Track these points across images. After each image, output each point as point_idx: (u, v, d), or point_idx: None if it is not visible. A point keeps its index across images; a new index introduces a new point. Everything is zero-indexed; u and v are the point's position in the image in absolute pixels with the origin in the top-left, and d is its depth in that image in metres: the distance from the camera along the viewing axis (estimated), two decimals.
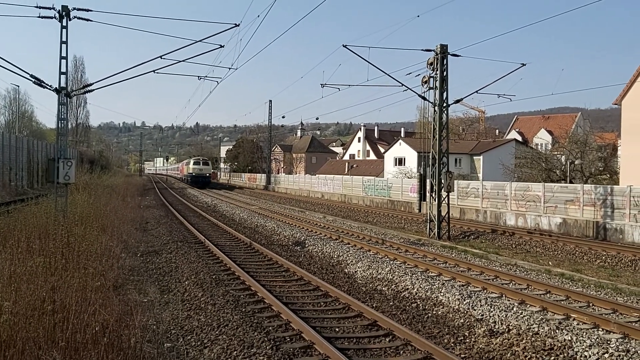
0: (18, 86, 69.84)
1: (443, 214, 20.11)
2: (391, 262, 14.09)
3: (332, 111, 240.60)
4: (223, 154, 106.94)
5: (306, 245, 17.09)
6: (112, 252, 11.80)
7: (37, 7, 14.78)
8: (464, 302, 9.83)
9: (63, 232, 10.50)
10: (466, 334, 8.37)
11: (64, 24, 15.38)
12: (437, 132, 19.99)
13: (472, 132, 75.48)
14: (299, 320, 8.32)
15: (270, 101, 60.96)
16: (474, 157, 56.89)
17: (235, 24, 15.95)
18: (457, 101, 22.04)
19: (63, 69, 15.78)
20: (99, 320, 6.21)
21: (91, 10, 15.43)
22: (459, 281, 11.82)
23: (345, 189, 42.91)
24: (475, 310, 9.43)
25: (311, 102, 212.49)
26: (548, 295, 10.72)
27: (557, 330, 8.14)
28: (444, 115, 20.11)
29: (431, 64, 19.66)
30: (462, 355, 7.39)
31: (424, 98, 20.08)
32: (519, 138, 67.38)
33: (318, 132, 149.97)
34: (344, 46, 18.58)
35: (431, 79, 19.72)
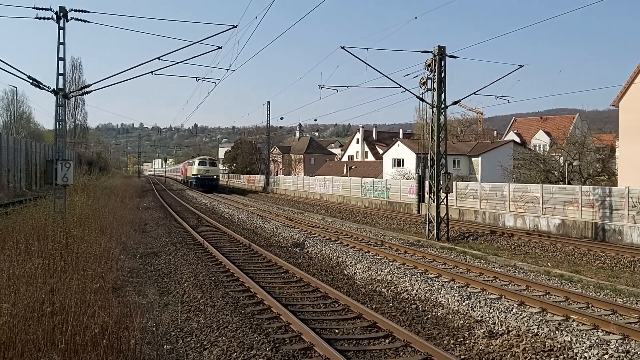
0: (16, 87, 70.08)
1: (442, 215, 20.10)
2: (390, 263, 14.09)
3: (330, 112, 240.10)
4: (221, 155, 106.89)
5: (305, 247, 17.07)
6: (111, 254, 11.78)
7: (34, 8, 14.73)
8: (464, 304, 9.83)
9: (62, 233, 10.50)
10: (466, 335, 8.37)
11: (62, 25, 15.33)
12: (436, 134, 20.00)
13: (470, 133, 75.54)
14: (299, 321, 8.31)
15: (269, 102, 60.85)
16: (473, 159, 56.96)
17: (233, 25, 15.96)
18: (455, 102, 22.01)
19: (61, 70, 15.73)
20: (98, 322, 6.19)
21: (88, 12, 15.39)
22: (459, 282, 11.82)
23: (344, 190, 42.90)
24: (474, 311, 9.43)
25: (309, 104, 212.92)
26: (547, 296, 10.73)
27: (556, 332, 8.14)
28: (442, 116, 20.11)
29: (429, 65, 19.66)
30: (462, 357, 7.39)
31: (422, 99, 20.08)
32: (517, 139, 67.45)
33: (316, 134, 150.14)
34: (341, 48, 18.58)
35: (429, 81, 19.72)
